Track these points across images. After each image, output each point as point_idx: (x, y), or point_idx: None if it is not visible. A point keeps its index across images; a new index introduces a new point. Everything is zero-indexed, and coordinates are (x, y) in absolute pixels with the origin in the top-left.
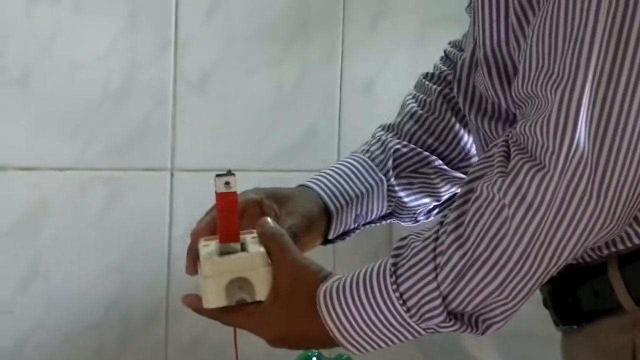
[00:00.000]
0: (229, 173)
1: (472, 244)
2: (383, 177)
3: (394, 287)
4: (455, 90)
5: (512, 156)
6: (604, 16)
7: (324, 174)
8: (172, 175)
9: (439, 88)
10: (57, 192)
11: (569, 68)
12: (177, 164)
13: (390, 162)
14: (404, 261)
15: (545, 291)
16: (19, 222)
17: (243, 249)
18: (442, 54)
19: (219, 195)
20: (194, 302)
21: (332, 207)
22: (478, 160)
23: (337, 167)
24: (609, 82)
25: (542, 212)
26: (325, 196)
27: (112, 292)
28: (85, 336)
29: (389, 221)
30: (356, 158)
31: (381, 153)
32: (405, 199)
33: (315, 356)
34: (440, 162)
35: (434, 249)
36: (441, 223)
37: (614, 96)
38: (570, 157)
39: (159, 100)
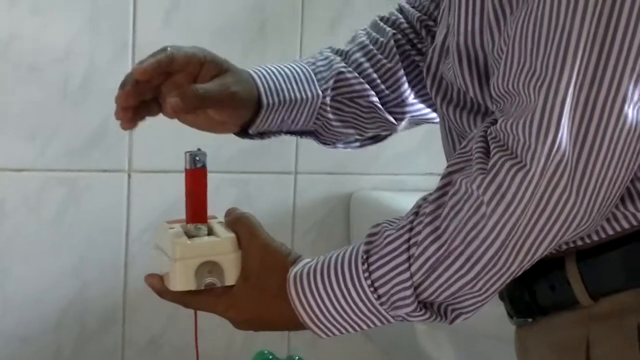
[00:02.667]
0: (199, 151)
1: (448, 237)
2: (320, 93)
3: (366, 274)
4: (424, 75)
5: (492, 153)
6: (590, 16)
7: (267, 67)
8: (129, 176)
9: (392, 31)
10: (14, 193)
11: (552, 67)
12: (134, 166)
13: (331, 82)
14: (377, 249)
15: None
16: None
17: (210, 233)
18: (398, 6)
19: (188, 172)
20: (157, 283)
21: (265, 101)
22: (455, 154)
23: (280, 67)
24: (592, 84)
25: (521, 209)
26: (262, 88)
27: (69, 294)
28: (43, 339)
29: (304, 138)
30: (300, 65)
31: (326, 70)
32: (333, 122)
33: (272, 356)
34: (377, 99)
35: (408, 240)
36: (416, 213)
37: (597, 98)
38: (552, 157)
39: None
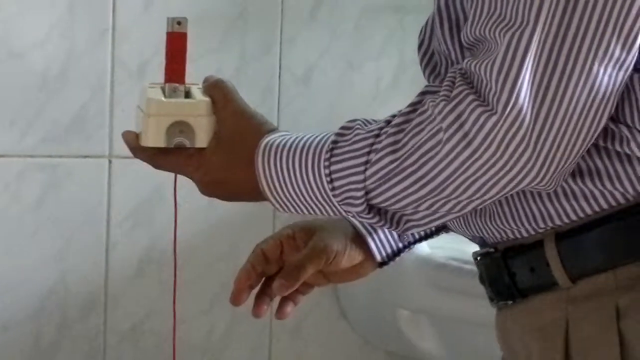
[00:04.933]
0: (181, 17)
1: (404, 153)
2: None
3: (326, 164)
4: (417, 49)
5: (456, 84)
6: None
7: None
8: (110, 162)
9: None
10: None
11: (521, 14)
12: (115, 151)
13: None
14: (344, 143)
15: (482, 266)
16: None
17: (187, 96)
18: None
19: (169, 35)
20: (132, 140)
21: (363, 230)
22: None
23: None
24: (556, 34)
25: (476, 146)
26: (354, 220)
27: (50, 280)
28: (23, 326)
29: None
30: None
31: None
32: None
33: None
34: None
35: (371, 145)
36: (387, 122)
37: (561, 48)
38: (512, 102)
39: (97, 87)
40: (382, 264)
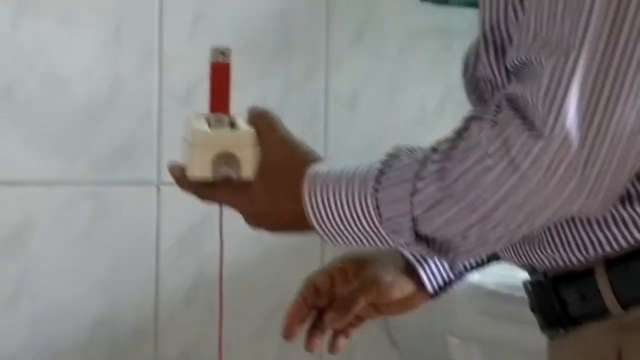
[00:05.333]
0: (224, 46)
1: (451, 180)
2: None
3: (372, 191)
4: (462, 75)
5: (502, 109)
6: None
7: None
8: (158, 189)
9: None
10: (42, 207)
11: (567, 37)
12: (163, 178)
13: None
14: (390, 172)
15: (532, 295)
16: (4, 238)
17: (232, 127)
18: None
19: (213, 66)
20: (177, 171)
21: (414, 261)
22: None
23: None
24: (602, 57)
25: (523, 171)
26: (405, 251)
27: (100, 309)
28: (73, 355)
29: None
30: None
31: None
32: None
33: None
34: None
35: (418, 172)
36: (433, 149)
37: (607, 71)
38: (559, 126)
39: (145, 113)
40: (434, 295)
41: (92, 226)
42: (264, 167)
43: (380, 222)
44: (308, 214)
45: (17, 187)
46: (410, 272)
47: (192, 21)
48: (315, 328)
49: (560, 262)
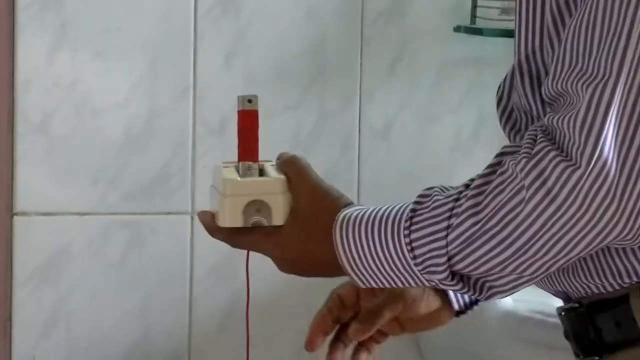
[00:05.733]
0: (251, 95)
1: (486, 215)
2: None
3: (406, 232)
4: (496, 105)
5: (538, 141)
6: None
7: None
8: (192, 218)
9: None
10: (78, 236)
11: (603, 68)
12: (197, 207)
13: None
14: (423, 211)
15: (567, 322)
16: (40, 267)
17: (261, 174)
18: None
19: (240, 113)
20: (208, 220)
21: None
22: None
23: None
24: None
25: (560, 202)
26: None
27: (134, 337)
28: None
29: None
30: None
31: None
32: None
33: None
34: None
35: (452, 209)
36: (466, 185)
37: None
38: (596, 155)
39: (179, 144)
40: (460, 312)
41: (126, 254)
42: (295, 213)
43: (415, 261)
44: (340, 257)
45: (54, 217)
46: (437, 288)
47: (226, 52)
48: (338, 341)
49: (595, 290)
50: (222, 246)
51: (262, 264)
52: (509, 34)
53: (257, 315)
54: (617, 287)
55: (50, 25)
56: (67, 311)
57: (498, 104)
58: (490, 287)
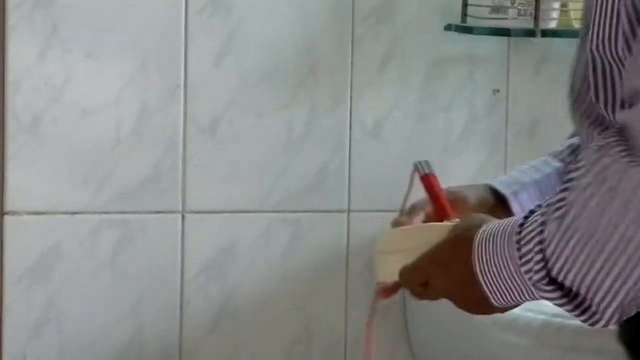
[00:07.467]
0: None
1: (571, 216)
2: (559, 164)
3: (517, 246)
4: (567, 96)
5: (610, 134)
6: None
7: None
8: (183, 217)
9: None
10: (69, 236)
11: None
12: (188, 206)
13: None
14: (527, 223)
15: (618, 326)
16: (31, 267)
17: None
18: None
19: (425, 178)
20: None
21: (505, 192)
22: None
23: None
24: None
25: (626, 199)
26: (495, 184)
27: (125, 335)
28: None
29: None
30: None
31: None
32: None
33: None
34: None
35: (544, 213)
36: (563, 189)
37: None
38: None
39: (170, 144)
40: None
41: (117, 254)
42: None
43: (527, 274)
44: (477, 275)
45: (45, 216)
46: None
47: (217, 51)
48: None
49: None
50: (214, 245)
51: (254, 267)
52: (499, 32)
53: (250, 316)
54: None
55: (40, 25)
56: (58, 310)
57: (569, 94)
58: (591, 303)
